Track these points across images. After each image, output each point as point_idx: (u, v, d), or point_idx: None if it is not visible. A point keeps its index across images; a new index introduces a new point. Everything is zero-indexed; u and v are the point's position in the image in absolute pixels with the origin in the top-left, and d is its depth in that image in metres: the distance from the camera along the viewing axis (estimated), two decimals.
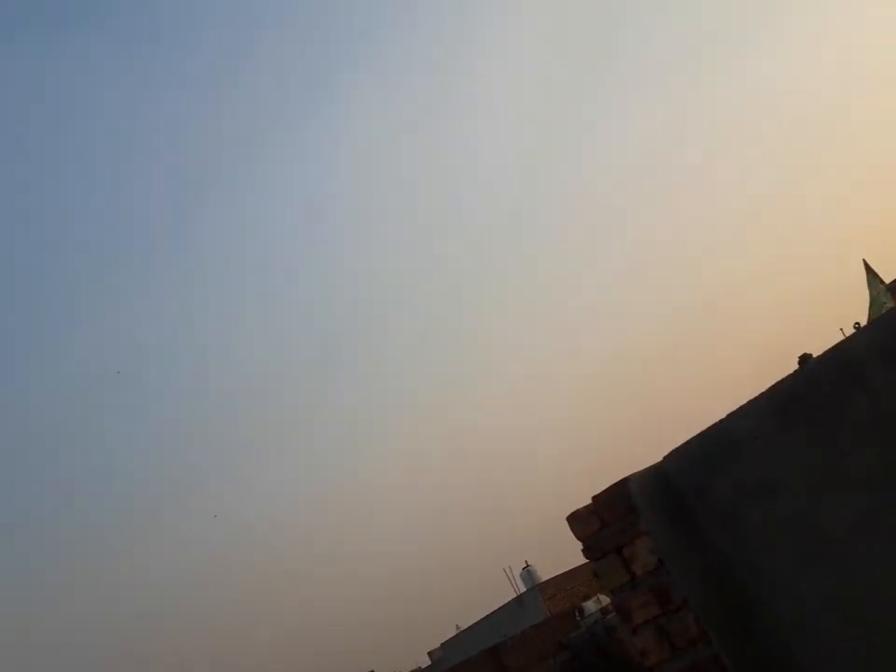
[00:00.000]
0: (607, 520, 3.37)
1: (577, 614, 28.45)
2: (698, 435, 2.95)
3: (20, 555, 67.74)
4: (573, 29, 72.61)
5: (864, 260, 14.09)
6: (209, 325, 76.84)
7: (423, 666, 53.53)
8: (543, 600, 33.23)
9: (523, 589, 36.91)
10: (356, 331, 77.59)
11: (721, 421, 2.88)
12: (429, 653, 52.12)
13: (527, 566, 37.70)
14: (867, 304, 13.93)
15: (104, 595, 64.28)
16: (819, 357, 2.76)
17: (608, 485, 3.41)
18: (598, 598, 29.08)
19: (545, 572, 36.57)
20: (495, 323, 75.31)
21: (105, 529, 69.73)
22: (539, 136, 74.55)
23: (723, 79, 68.78)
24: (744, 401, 2.93)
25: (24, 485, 69.38)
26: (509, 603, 36.13)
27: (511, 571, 38.38)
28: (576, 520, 3.49)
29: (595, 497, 3.44)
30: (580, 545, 3.58)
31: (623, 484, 3.31)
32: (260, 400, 76.56)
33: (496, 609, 37.28)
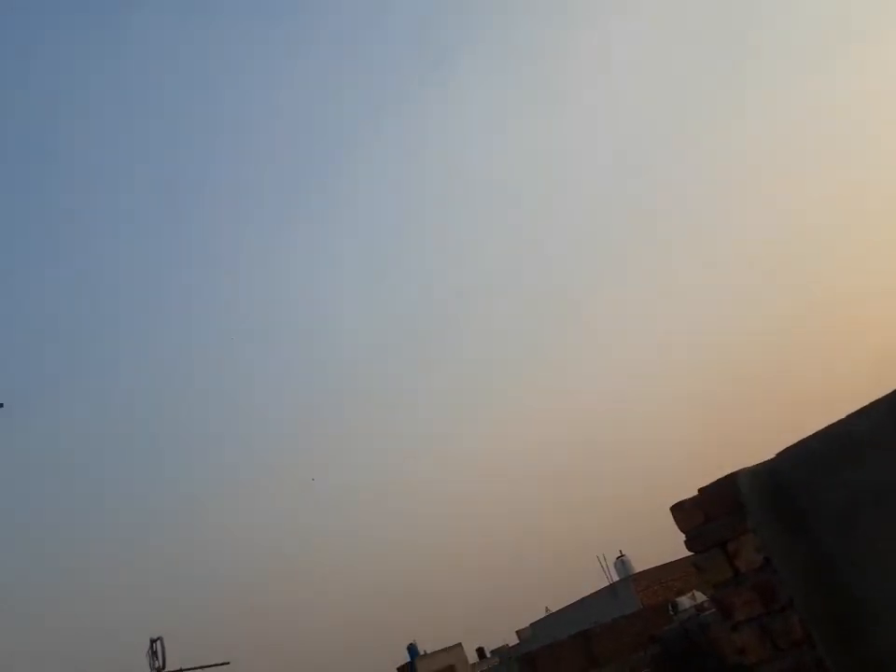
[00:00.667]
0: (711, 514, 3.33)
1: (670, 608, 27.99)
2: (815, 434, 2.87)
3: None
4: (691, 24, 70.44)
5: None
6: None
7: (511, 644, 53.86)
8: (636, 591, 32.84)
9: (616, 578, 36.57)
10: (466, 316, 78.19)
11: (839, 421, 2.79)
12: (518, 632, 52.38)
13: (622, 555, 37.31)
14: None
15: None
16: None
17: (715, 479, 3.36)
18: (693, 594, 28.49)
19: (639, 563, 36.11)
20: (598, 310, 74.44)
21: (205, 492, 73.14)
22: (644, 129, 72.89)
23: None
24: (864, 403, 2.83)
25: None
26: (601, 591, 35.88)
27: (605, 560, 38.08)
28: (680, 511, 3.46)
29: (701, 490, 3.39)
30: (681, 537, 3.54)
31: (730, 479, 3.26)
32: (369, 378, 78.35)
33: (587, 595, 37.10)
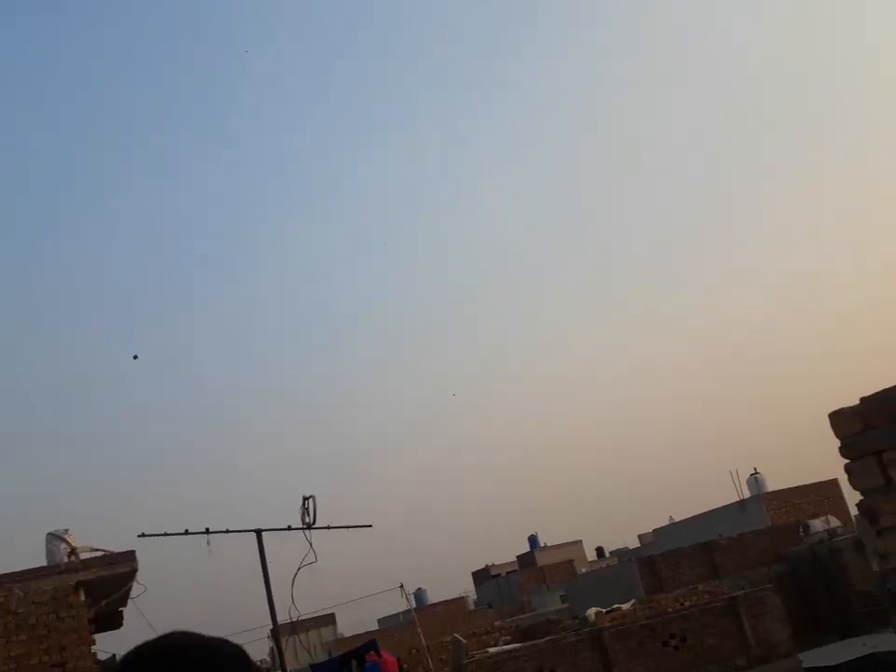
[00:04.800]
0: (871, 422, 3.39)
1: (801, 530, 27.62)
2: None
3: None
4: None
5: None
6: None
7: (631, 548, 54.76)
8: (767, 509, 32.51)
9: (747, 494, 36.20)
10: None
11: None
12: (640, 536, 53.09)
13: (755, 472, 36.77)
14: None
15: None
16: None
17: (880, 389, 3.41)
18: (827, 518, 27.98)
19: (774, 483, 35.55)
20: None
21: None
22: None
23: None
24: None
25: None
26: (730, 505, 35.67)
27: (738, 475, 37.66)
28: (839, 417, 3.54)
29: (863, 399, 3.45)
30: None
31: None
32: None
33: (714, 508, 36.99)
